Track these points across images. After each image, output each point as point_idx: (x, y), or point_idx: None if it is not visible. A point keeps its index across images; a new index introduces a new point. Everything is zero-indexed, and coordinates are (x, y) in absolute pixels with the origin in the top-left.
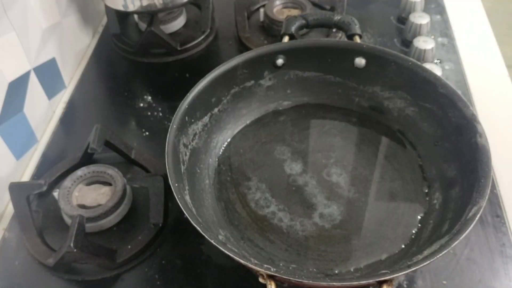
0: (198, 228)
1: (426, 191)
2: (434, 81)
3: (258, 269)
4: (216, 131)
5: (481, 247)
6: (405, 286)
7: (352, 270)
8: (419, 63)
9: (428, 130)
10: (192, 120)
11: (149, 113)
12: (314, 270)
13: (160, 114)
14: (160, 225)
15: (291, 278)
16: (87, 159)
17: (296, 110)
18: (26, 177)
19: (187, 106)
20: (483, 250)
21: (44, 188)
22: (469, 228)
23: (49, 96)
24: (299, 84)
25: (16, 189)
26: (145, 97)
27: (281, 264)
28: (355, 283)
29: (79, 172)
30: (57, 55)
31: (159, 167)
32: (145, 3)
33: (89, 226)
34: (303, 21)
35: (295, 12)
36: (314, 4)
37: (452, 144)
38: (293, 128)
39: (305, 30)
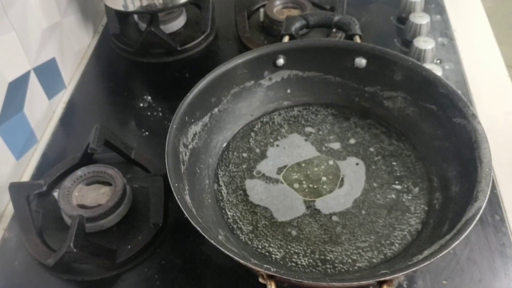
0: (198, 228)
1: (426, 191)
2: (434, 81)
3: (258, 269)
4: (216, 131)
5: (481, 247)
6: (405, 286)
7: (352, 270)
8: (419, 63)
9: (428, 130)
10: (192, 120)
11: (149, 113)
12: (314, 270)
13: (160, 114)
14: (160, 225)
15: (291, 278)
16: (87, 159)
17: (296, 110)
18: (26, 177)
19: (187, 106)
20: (483, 250)
21: (44, 188)
22: (469, 228)
23: (49, 96)
24: (299, 84)
25: (16, 189)
26: (145, 97)
27: (281, 264)
28: (355, 283)
29: (79, 172)
30: (57, 55)
31: (159, 167)
32: (145, 3)
33: (89, 226)
34: (303, 21)
35: (295, 12)
36: (314, 4)
37: (452, 144)
38: (293, 128)
39: (305, 30)
